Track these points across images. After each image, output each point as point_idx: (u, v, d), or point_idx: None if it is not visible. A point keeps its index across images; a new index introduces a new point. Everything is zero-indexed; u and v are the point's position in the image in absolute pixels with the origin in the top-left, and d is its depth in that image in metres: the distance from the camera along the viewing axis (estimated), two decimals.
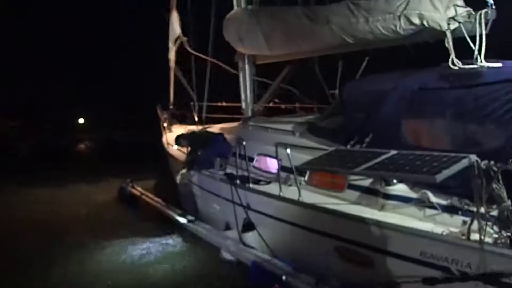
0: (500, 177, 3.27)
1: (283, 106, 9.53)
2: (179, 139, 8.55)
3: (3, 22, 21.37)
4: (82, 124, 26.67)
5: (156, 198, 9.47)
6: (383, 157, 3.73)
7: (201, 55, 9.92)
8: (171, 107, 11.55)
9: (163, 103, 11.78)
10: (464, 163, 3.24)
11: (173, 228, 7.91)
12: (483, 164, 3.27)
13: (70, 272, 6.27)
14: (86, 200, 10.74)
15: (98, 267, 6.46)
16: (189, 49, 10.03)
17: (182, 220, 7.78)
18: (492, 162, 3.25)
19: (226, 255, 6.35)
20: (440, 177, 3.06)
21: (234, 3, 8.57)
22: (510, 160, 3.18)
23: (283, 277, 4.98)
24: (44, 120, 23.50)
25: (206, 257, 6.69)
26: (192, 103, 10.16)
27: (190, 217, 7.67)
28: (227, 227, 6.72)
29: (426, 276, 3.76)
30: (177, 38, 10.70)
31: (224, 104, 11.22)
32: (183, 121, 11.00)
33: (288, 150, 5.13)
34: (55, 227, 8.50)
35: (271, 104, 9.22)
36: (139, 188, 10.31)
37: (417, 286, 3.81)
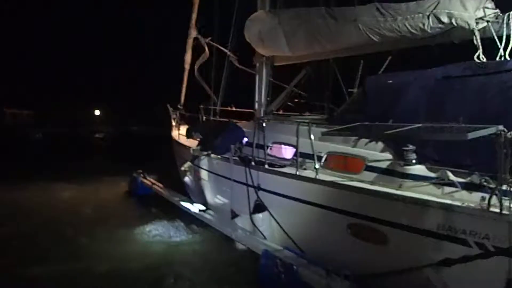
0: None
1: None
2: (190, 131, 8.65)
3: (26, 15, 21.94)
4: (98, 115, 27.00)
5: (166, 188, 9.56)
6: (409, 127, 3.81)
7: (222, 48, 10.08)
8: (180, 107, 11.73)
9: (175, 101, 12.00)
10: (491, 129, 3.33)
11: (185, 217, 7.96)
12: (509, 134, 3.35)
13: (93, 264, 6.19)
14: (98, 192, 10.88)
15: (113, 259, 6.39)
16: (209, 43, 10.26)
17: (194, 209, 7.82)
18: None
19: (237, 244, 6.36)
20: (471, 135, 3.13)
21: (258, 5, 8.73)
22: None
23: (294, 267, 4.99)
24: (61, 110, 23.76)
25: (217, 246, 6.74)
26: (201, 106, 10.27)
27: (201, 207, 7.69)
28: (236, 213, 6.73)
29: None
30: (195, 38, 11.05)
31: (234, 108, 11.37)
32: (191, 122, 11.14)
33: (310, 129, 5.21)
34: (67, 219, 8.50)
35: (281, 112, 9.31)
36: (150, 179, 10.41)
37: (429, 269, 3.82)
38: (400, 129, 3.66)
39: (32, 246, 6.82)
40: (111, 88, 24.24)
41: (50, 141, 19.41)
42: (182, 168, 8.41)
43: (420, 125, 3.88)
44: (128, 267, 6.02)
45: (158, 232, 7.51)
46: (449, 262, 3.78)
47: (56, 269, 5.93)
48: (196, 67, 11.16)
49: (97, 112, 27.17)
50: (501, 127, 3.37)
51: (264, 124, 6.05)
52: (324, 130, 5.75)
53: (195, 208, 7.80)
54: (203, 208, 7.70)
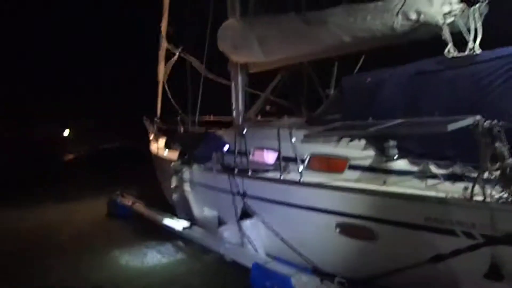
0: (503, 136, 3.45)
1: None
2: (169, 143, 8.56)
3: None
4: (68, 136, 26.34)
5: (148, 207, 9.39)
6: (390, 123, 3.88)
7: (192, 59, 10.06)
8: (157, 120, 11.61)
9: (151, 113, 11.86)
10: (469, 120, 3.42)
11: (169, 236, 7.81)
12: (487, 123, 3.45)
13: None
14: (75, 215, 10.35)
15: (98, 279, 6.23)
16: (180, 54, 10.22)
17: (178, 227, 7.71)
18: (495, 121, 3.43)
19: (226, 258, 6.31)
20: (450, 127, 3.20)
21: (228, 13, 8.74)
22: None
23: (287, 278, 4.96)
24: (30, 132, 23.10)
25: (205, 262, 6.63)
26: (178, 117, 10.20)
27: (185, 224, 7.61)
28: (224, 221, 6.70)
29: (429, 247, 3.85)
30: (166, 50, 10.98)
31: (212, 118, 11.35)
32: (169, 134, 11.04)
33: (290, 132, 5.25)
34: (46, 243, 8.17)
35: (259, 117, 9.34)
36: (130, 197, 10.19)
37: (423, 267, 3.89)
38: (382, 126, 3.72)
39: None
40: (79, 107, 23.68)
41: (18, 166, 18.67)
42: (172, 185, 8.30)
43: (400, 120, 3.95)
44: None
45: (141, 252, 7.29)
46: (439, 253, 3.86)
47: None
48: (163, 77, 11.08)
49: (66, 133, 26.41)
50: (478, 117, 3.47)
51: (244, 131, 6.05)
52: (305, 132, 5.82)
53: (179, 225, 7.68)
54: (187, 225, 7.57)
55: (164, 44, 11.24)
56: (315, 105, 8.16)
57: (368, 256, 4.47)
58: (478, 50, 4.93)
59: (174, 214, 8.55)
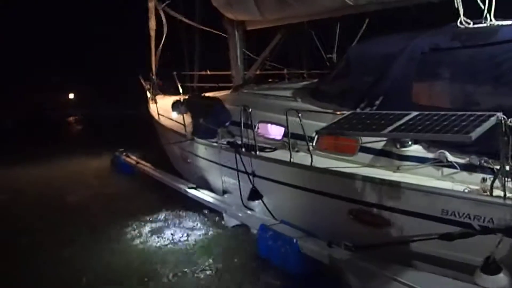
0: None
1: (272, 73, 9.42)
2: (177, 106, 8.35)
3: None
4: (72, 99, 26.51)
5: (151, 167, 9.37)
6: (406, 118, 3.74)
7: (186, 20, 9.67)
8: (153, 77, 11.31)
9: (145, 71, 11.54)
10: (492, 121, 3.28)
11: (174, 195, 7.86)
12: (510, 121, 3.32)
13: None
14: (81, 172, 10.58)
15: (105, 246, 6.26)
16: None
17: (183, 187, 7.72)
18: None
19: (231, 221, 6.41)
20: (474, 135, 3.08)
21: None
22: None
23: (294, 240, 5.03)
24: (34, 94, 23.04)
25: (211, 224, 6.75)
26: (175, 73, 9.91)
27: (191, 184, 7.62)
28: (230, 196, 6.72)
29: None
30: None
31: (209, 73, 11.08)
32: (166, 91, 10.80)
33: (299, 115, 5.09)
34: (51, 203, 8.30)
35: (257, 72, 9.06)
36: (134, 157, 10.16)
37: (434, 243, 3.89)
38: (398, 124, 3.58)
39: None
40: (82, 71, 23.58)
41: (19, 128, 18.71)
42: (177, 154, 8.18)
43: (417, 113, 3.80)
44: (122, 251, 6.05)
45: (147, 213, 7.35)
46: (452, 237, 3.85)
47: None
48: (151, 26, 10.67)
49: (71, 96, 26.54)
50: (500, 115, 3.33)
51: (250, 110, 5.87)
52: (311, 107, 5.69)
53: (185, 186, 7.71)
54: (194, 185, 7.60)
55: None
56: (318, 67, 7.96)
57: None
58: (493, 19, 4.67)
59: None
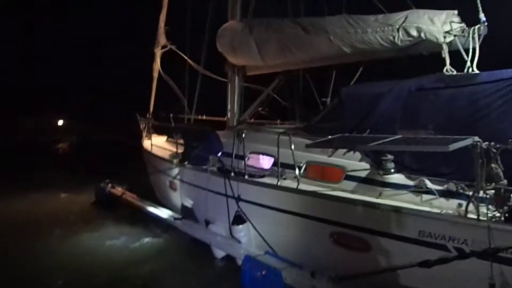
0: (498, 158, 3.58)
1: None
2: (171, 132, 8.51)
3: None
4: (61, 125, 26.60)
5: (137, 198, 9.36)
6: (390, 138, 3.99)
7: (191, 62, 10.10)
8: (150, 117, 11.59)
9: (143, 108, 11.84)
10: (468, 141, 3.54)
11: (159, 227, 7.85)
12: (484, 144, 3.58)
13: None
14: (64, 202, 10.43)
15: (82, 270, 6.21)
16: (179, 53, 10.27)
17: (169, 218, 7.73)
18: (492, 143, 3.57)
19: (217, 251, 6.39)
20: (452, 147, 3.32)
21: (229, 15, 8.83)
22: (510, 140, 3.49)
23: (278, 271, 5.06)
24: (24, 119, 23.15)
25: (195, 254, 6.68)
26: (171, 115, 10.19)
27: (176, 215, 7.64)
28: (215, 223, 6.75)
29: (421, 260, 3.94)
30: (163, 46, 10.98)
31: (204, 117, 11.36)
32: (161, 132, 11.03)
33: (290, 140, 5.33)
34: (32, 229, 8.18)
35: (252, 120, 9.38)
36: (119, 188, 10.13)
37: (413, 270, 3.97)
38: (382, 141, 3.83)
39: None
40: (74, 97, 23.85)
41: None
42: (163, 183, 8.25)
43: (399, 136, 4.07)
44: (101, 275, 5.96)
45: (129, 242, 7.31)
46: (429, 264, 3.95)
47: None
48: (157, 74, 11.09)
49: (60, 122, 26.61)
50: (476, 138, 3.59)
51: (243, 135, 6.11)
52: (302, 139, 5.89)
53: (170, 217, 7.72)
54: (179, 216, 7.63)
55: (161, 41, 11.23)
56: (312, 111, 8.28)
57: (361, 267, 4.56)
58: (475, 70, 5.10)
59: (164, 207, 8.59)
